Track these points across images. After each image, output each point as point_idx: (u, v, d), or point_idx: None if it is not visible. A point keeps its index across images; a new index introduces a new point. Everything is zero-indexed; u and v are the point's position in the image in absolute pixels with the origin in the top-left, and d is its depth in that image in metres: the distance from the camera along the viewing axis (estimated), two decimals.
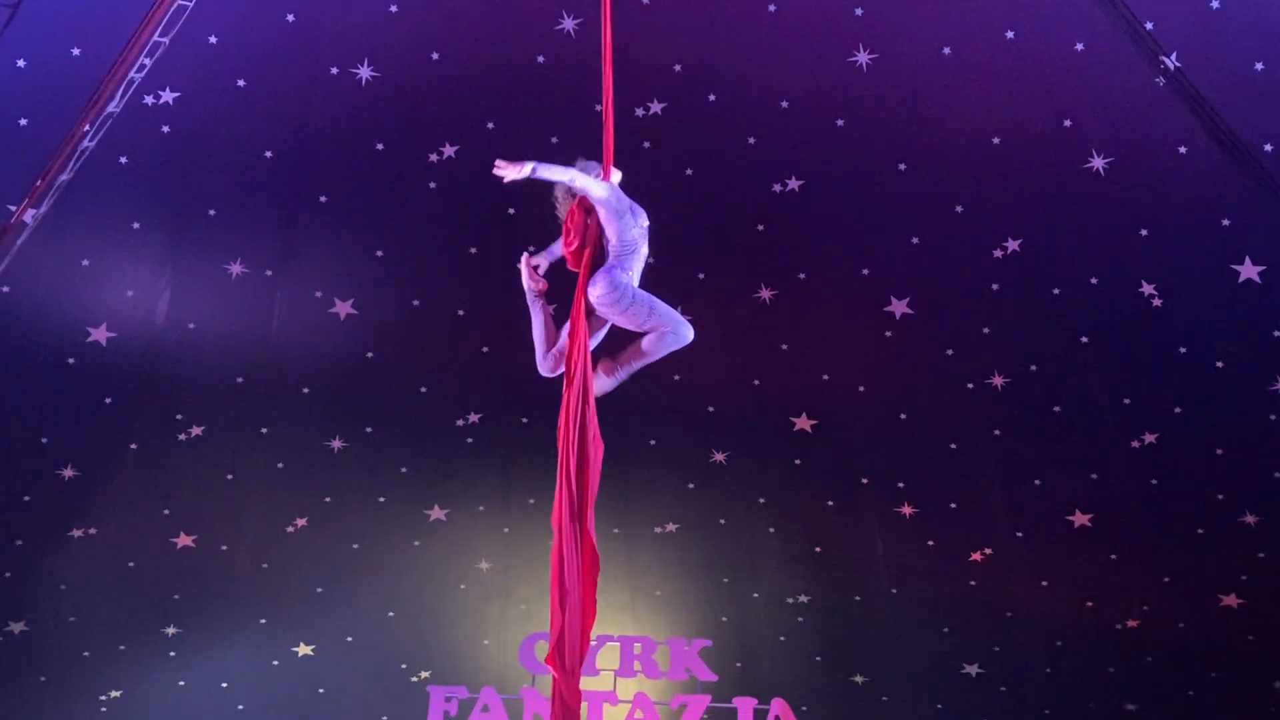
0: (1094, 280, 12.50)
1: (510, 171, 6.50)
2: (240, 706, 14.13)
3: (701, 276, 12.99)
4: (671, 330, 6.85)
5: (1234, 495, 13.05)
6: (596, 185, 6.73)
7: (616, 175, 7.09)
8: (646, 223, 6.95)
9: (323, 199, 12.50)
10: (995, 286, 12.70)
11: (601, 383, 6.90)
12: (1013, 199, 12.38)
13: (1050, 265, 12.55)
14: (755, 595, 14.49)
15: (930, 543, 13.95)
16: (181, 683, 14.01)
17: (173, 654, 13.92)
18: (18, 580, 13.19)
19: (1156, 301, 12.39)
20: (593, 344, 6.98)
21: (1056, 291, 12.63)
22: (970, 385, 13.19)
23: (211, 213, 12.36)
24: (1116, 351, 12.78)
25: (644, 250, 6.91)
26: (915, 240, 12.63)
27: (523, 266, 7.08)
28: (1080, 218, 12.27)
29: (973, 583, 14.00)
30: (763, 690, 13.63)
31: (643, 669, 13.68)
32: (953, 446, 13.55)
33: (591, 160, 6.99)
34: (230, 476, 13.43)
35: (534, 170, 6.50)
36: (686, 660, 13.68)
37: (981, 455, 13.49)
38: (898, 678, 14.52)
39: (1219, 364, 12.53)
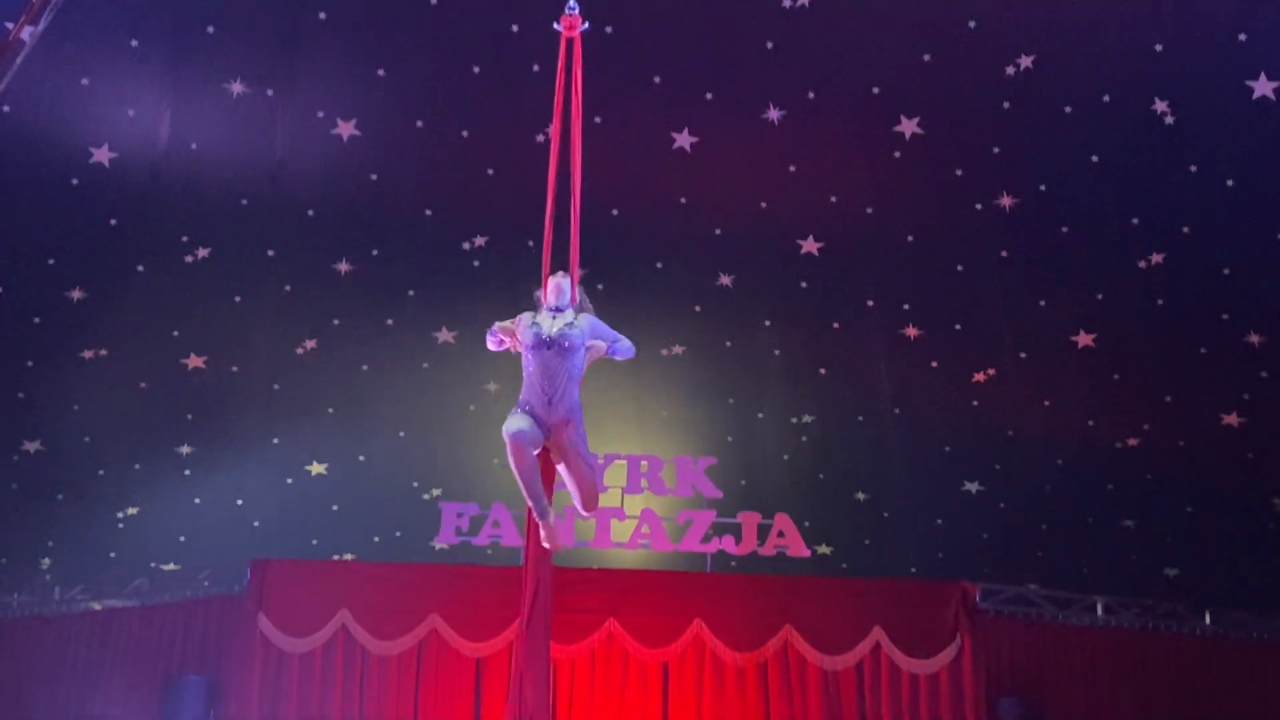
0: (1106, 98, 12.29)
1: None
2: (255, 523, 14.40)
3: (709, 96, 12.79)
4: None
5: (1239, 315, 13.07)
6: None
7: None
8: (541, 334, 6.83)
9: (322, 15, 12.22)
10: (1006, 104, 12.51)
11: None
12: (1026, 14, 12.08)
13: (1062, 82, 12.32)
14: (760, 415, 14.64)
15: (934, 364, 14.03)
16: (197, 500, 14.27)
17: (187, 472, 14.15)
18: (31, 401, 13.36)
19: (1169, 119, 12.21)
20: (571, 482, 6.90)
21: (1068, 109, 12.43)
22: (979, 206, 13.11)
23: (210, 30, 12.11)
24: (1127, 170, 12.64)
25: (533, 373, 6.79)
26: (926, 57, 12.38)
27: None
28: (1094, 32, 12.01)
29: (975, 403, 14.14)
30: (766, 506, 13.85)
31: (649, 486, 13.88)
32: (959, 268, 13.54)
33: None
34: (238, 299, 13.48)
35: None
36: (692, 477, 13.87)
37: (988, 276, 13.48)
38: (899, 495, 14.75)
39: (1229, 182, 12.39)
